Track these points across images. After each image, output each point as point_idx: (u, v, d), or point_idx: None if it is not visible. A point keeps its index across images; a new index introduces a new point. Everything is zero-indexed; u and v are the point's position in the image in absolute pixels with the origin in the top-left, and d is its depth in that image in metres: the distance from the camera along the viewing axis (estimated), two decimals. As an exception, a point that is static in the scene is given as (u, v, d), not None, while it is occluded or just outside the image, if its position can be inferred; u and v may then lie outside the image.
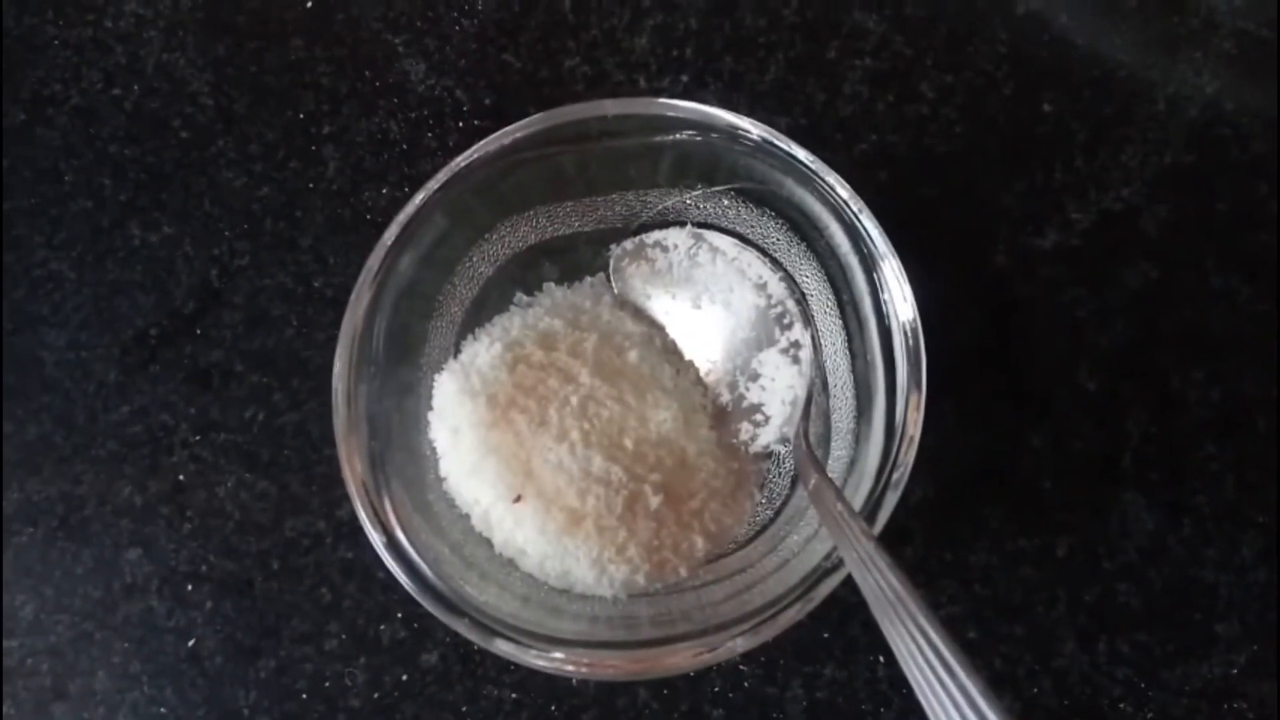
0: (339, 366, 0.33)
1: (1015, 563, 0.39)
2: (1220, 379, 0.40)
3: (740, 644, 0.30)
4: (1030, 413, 0.40)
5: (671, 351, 0.38)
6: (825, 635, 0.38)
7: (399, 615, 0.39)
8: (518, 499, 0.34)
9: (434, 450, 0.36)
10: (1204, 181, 0.42)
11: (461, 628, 0.30)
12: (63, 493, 0.41)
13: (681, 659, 0.30)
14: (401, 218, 0.34)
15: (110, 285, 0.43)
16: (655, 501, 0.35)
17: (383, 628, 0.39)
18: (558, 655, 0.30)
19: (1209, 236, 0.41)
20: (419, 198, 0.34)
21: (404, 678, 0.39)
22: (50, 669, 0.40)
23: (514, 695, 0.38)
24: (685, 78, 0.44)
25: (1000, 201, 0.42)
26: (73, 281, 0.44)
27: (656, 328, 0.39)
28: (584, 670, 0.30)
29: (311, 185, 0.44)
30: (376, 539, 0.31)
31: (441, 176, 0.34)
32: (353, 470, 0.32)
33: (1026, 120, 0.43)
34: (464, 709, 0.38)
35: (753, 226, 0.38)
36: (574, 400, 0.35)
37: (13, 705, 0.39)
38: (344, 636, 0.39)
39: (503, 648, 0.30)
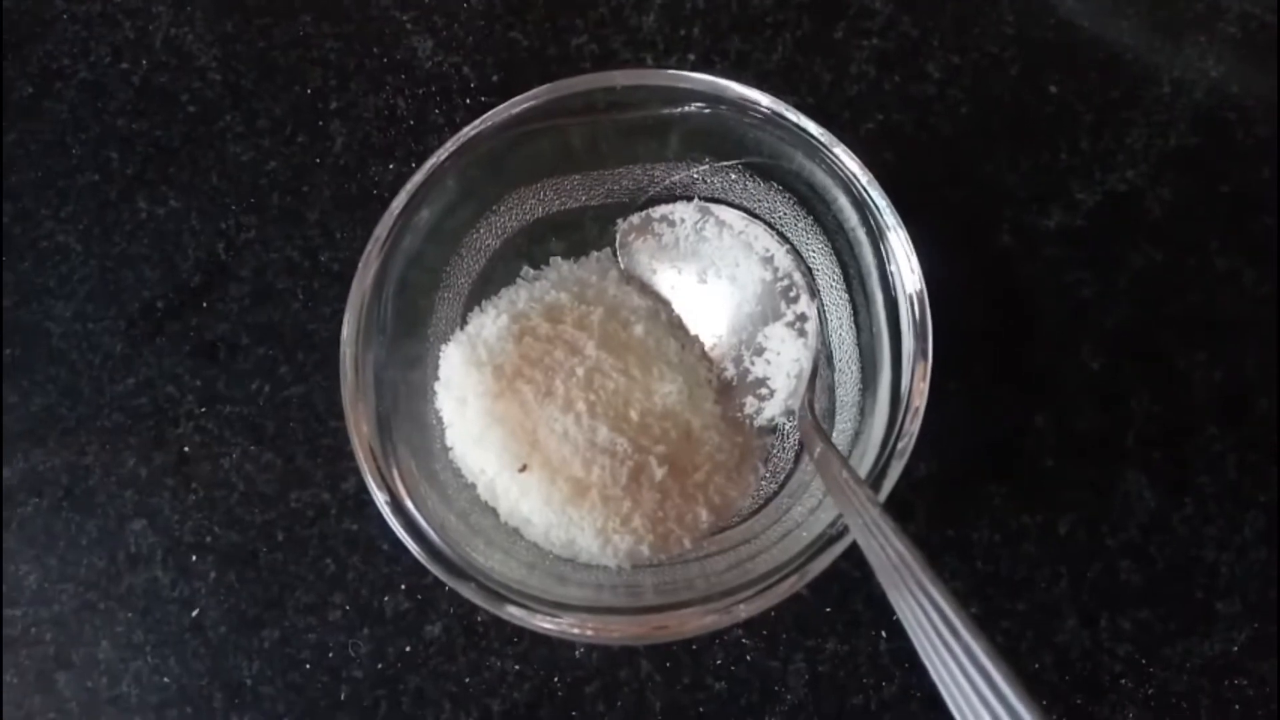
0: (347, 331, 0.33)
1: (1018, 540, 0.39)
2: (1223, 360, 0.40)
3: (744, 610, 0.30)
4: (1034, 392, 0.40)
5: (677, 326, 0.39)
6: (827, 610, 0.38)
7: (403, 587, 0.39)
8: (523, 468, 0.34)
9: (440, 421, 0.36)
10: (1208, 164, 0.42)
11: (468, 591, 0.30)
12: (68, 463, 0.41)
13: (686, 623, 0.30)
14: (410, 186, 0.34)
15: (117, 258, 0.43)
16: (660, 473, 0.35)
17: (386, 599, 0.39)
18: (565, 619, 0.30)
19: (1213, 219, 0.42)
20: (428, 164, 0.34)
21: (407, 649, 0.39)
22: (54, 638, 0.40)
23: (517, 667, 0.38)
24: (692, 56, 0.44)
25: (1005, 182, 0.42)
26: (79, 254, 0.44)
27: (662, 302, 0.39)
28: (590, 634, 0.30)
29: (318, 160, 0.44)
30: (381, 499, 0.31)
31: (450, 146, 0.34)
32: (359, 434, 0.32)
33: (1032, 101, 0.43)
34: (467, 680, 0.38)
35: (760, 200, 0.38)
36: (580, 372, 0.36)
37: (15, 674, 0.39)
38: (348, 608, 0.39)
39: (511, 612, 0.30)
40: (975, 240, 0.42)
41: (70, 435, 0.42)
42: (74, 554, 0.40)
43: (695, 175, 0.38)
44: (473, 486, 0.36)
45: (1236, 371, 0.40)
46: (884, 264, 0.33)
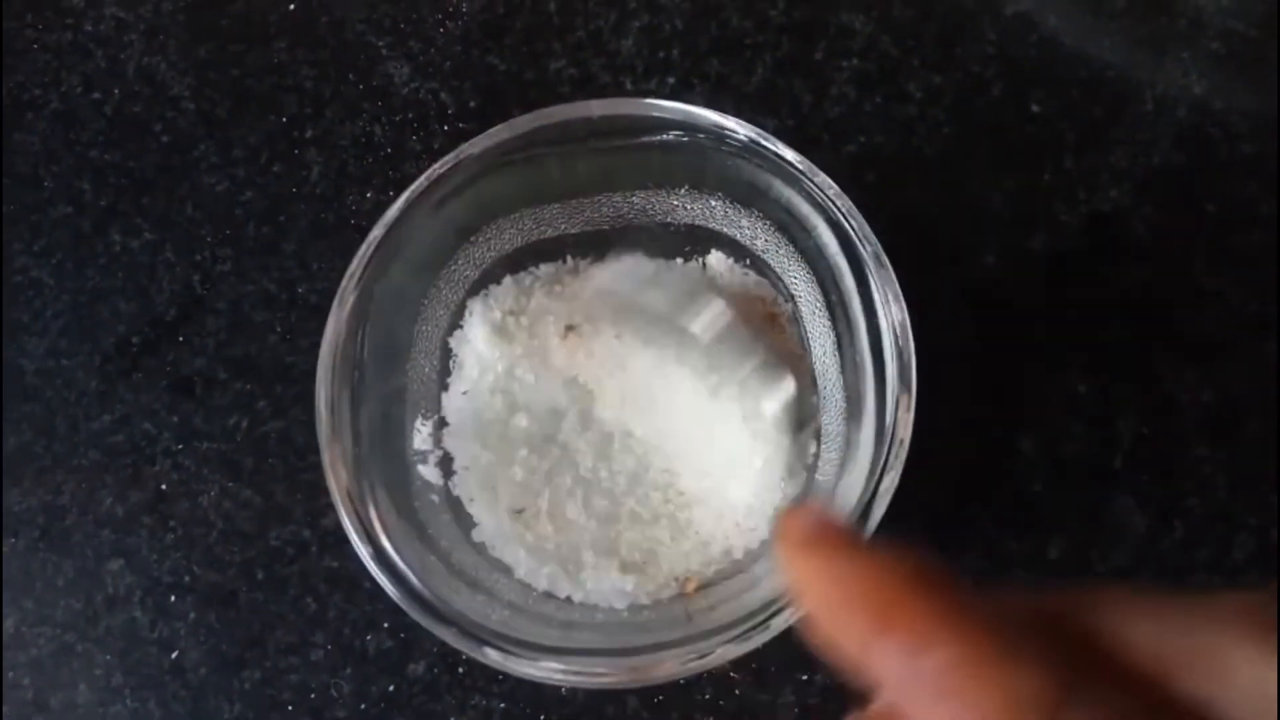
0: (321, 373, 0.32)
1: (1007, 565, 0.38)
2: (1211, 380, 0.40)
3: (731, 650, 0.29)
4: (1020, 415, 0.40)
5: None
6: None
7: (385, 625, 0.38)
8: (520, 511, 0.34)
9: (420, 455, 0.36)
10: (1193, 182, 0.42)
11: (449, 636, 0.30)
12: (43, 503, 0.41)
13: (672, 666, 0.30)
14: (385, 221, 0.34)
15: (91, 292, 0.43)
16: (652, 517, 0.34)
17: (369, 638, 0.38)
18: (547, 664, 0.30)
19: (1199, 237, 0.41)
20: (401, 201, 0.34)
21: (391, 688, 0.38)
22: (32, 682, 0.39)
23: (503, 705, 0.38)
24: (671, 79, 0.44)
25: (989, 202, 0.42)
26: (52, 288, 0.43)
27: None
28: (573, 679, 0.30)
29: (295, 189, 0.43)
30: (363, 550, 0.31)
31: (425, 179, 0.34)
32: (337, 480, 0.31)
33: (1015, 121, 0.43)
34: (452, 719, 0.38)
35: (741, 228, 0.37)
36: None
37: (-7, 719, 0.39)
38: (330, 647, 0.39)
39: (491, 656, 0.30)
40: (959, 262, 0.41)
41: (46, 474, 0.41)
42: (51, 595, 0.40)
43: (675, 203, 0.38)
44: (454, 524, 0.35)
45: (1225, 391, 0.40)
46: (867, 292, 0.33)
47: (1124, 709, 0.18)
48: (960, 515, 0.39)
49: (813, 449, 0.36)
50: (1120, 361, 0.40)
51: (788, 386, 0.35)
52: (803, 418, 0.36)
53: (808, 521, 0.22)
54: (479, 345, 0.37)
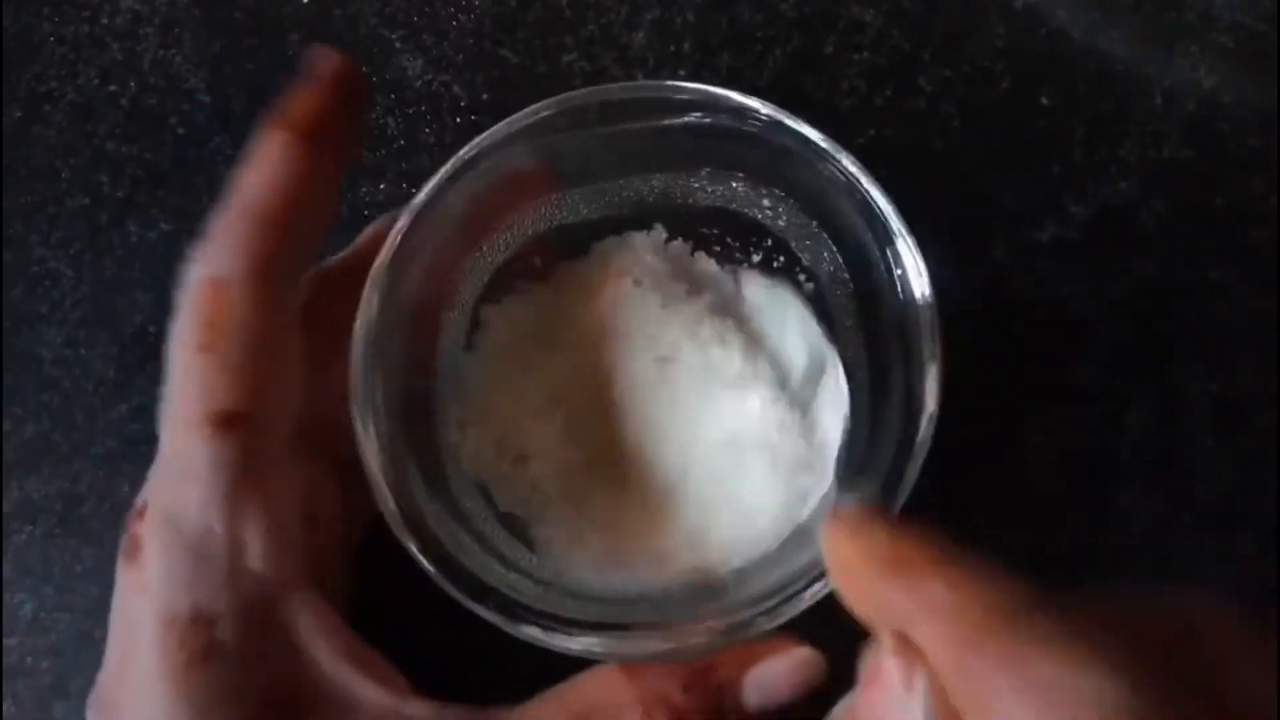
0: (355, 359, 0.32)
1: (1012, 559, 0.38)
2: (1219, 374, 0.40)
3: (764, 621, 0.30)
4: (1027, 408, 0.40)
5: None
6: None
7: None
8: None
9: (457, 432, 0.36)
10: (1201, 176, 0.42)
11: (486, 612, 0.30)
12: (61, 491, 0.41)
13: (711, 638, 0.30)
14: (412, 208, 0.34)
15: (108, 283, 0.43)
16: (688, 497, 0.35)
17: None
18: (585, 639, 0.30)
19: (1207, 231, 0.41)
20: (428, 186, 0.34)
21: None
22: (50, 667, 0.40)
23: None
24: (683, 73, 0.44)
25: (998, 196, 0.42)
26: (70, 279, 0.43)
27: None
28: (613, 652, 0.30)
29: (309, 182, 0.44)
30: (397, 526, 0.31)
31: (448, 167, 0.34)
32: (372, 460, 0.31)
33: (1024, 114, 0.43)
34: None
35: (761, 208, 0.38)
36: None
37: (13, 704, 0.39)
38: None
39: (529, 633, 0.30)
40: (967, 255, 0.42)
41: (64, 463, 0.42)
42: (69, 582, 0.40)
43: (695, 185, 0.38)
44: (487, 503, 0.36)
45: (1232, 385, 0.40)
46: (890, 269, 0.33)
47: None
48: (965, 507, 0.39)
49: (840, 428, 0.36)
50: (1128, 354, 0.40)
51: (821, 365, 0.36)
52: (829, 398, 0.37)
53: (849, 519, 0.26)
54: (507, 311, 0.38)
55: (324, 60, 0.32)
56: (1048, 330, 0.41)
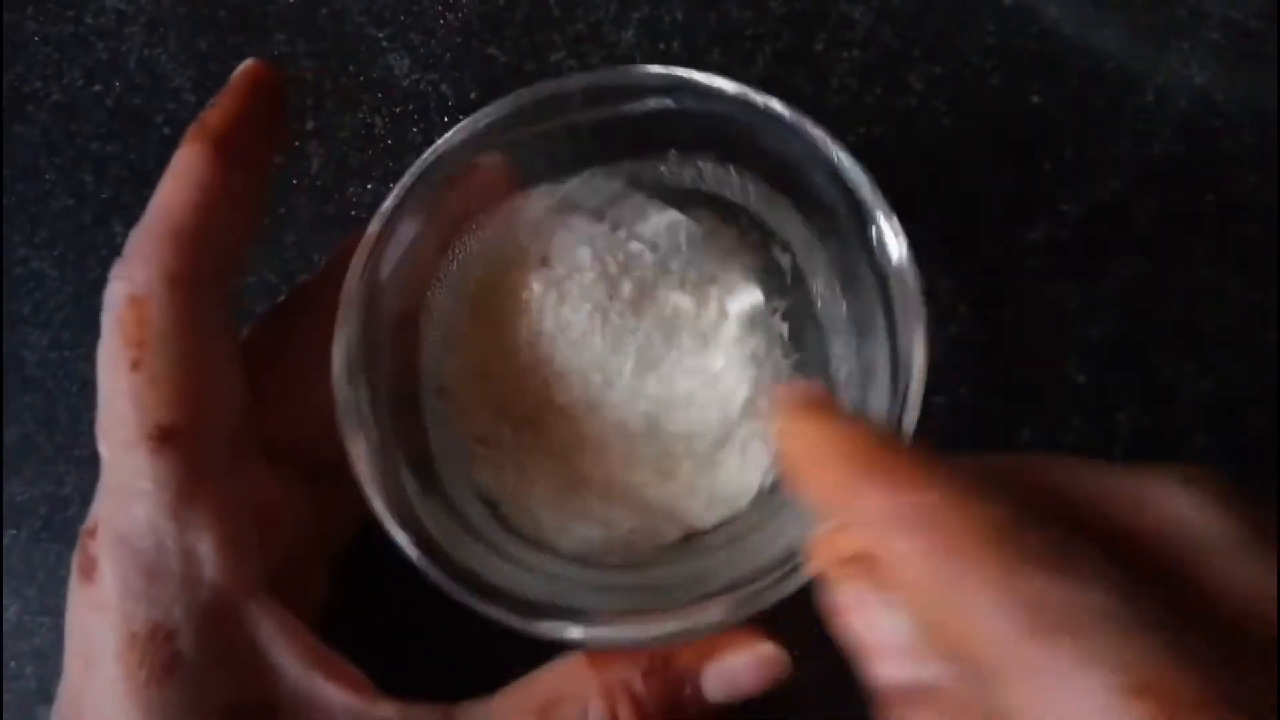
0: (336, 365, 0.32)
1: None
2: (1211, 371, 0.40)
3: (770, 595, 0.29)
4: (1020, 406, 0.40)
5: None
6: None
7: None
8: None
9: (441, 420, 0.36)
10: (1193, 172, 0.42)
11: (498, 614, 0.30)
12: (46, 494, 0.41)
13: (721, 613, 0.29)
14: (383, 210, 0.33)
15: (92, 284, 0.43)
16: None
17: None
18: (597, 630, 0.29)
19: (1199, 228, 0.41)
20: (401, 185, 0.33)
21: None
22: (34, 672, 0.39)
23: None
24: (672, 71, 0.44)
25: (989, 194, 0.42)
26: (54, 280, 0.43)
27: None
28: (626, 638, 0.29)
29: (295, 181, 0.43)
30: (400, 538, 0.30)
31: (420, 165, 0.34)
32: (360, 463, 0.31)
33: (1015, 112, 0.43)
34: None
35: (733, 186, 0.37)
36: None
37: (-4, 708, 0.39)
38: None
39: (543, 629, 0.29)
40: (958, 253, 0.41)
41: (48, 465, 0.41)
42: (53, 585, 0.40)
43: (663, 170, 0.38)
44: (481, 500, 0.35)
45: (1225, 382, 0.40)
46: (868, 239, 0.33)
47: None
48: (960, 506, 0.39)
49: (750, 300, 0.37)
50: (1120, 352, 0.40)
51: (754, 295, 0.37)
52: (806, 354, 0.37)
53: (801, 391, 0.26)
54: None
55: (242, 69, 0.33)
56: (1039, 328, 0.40)
